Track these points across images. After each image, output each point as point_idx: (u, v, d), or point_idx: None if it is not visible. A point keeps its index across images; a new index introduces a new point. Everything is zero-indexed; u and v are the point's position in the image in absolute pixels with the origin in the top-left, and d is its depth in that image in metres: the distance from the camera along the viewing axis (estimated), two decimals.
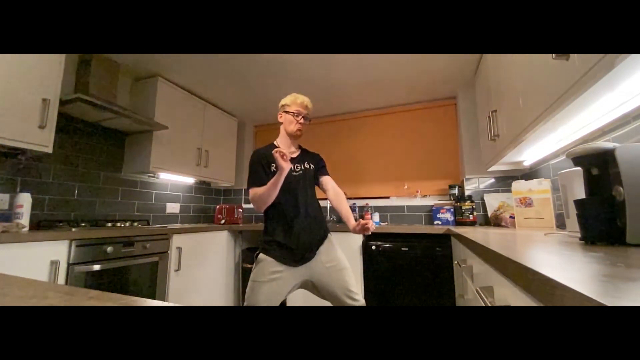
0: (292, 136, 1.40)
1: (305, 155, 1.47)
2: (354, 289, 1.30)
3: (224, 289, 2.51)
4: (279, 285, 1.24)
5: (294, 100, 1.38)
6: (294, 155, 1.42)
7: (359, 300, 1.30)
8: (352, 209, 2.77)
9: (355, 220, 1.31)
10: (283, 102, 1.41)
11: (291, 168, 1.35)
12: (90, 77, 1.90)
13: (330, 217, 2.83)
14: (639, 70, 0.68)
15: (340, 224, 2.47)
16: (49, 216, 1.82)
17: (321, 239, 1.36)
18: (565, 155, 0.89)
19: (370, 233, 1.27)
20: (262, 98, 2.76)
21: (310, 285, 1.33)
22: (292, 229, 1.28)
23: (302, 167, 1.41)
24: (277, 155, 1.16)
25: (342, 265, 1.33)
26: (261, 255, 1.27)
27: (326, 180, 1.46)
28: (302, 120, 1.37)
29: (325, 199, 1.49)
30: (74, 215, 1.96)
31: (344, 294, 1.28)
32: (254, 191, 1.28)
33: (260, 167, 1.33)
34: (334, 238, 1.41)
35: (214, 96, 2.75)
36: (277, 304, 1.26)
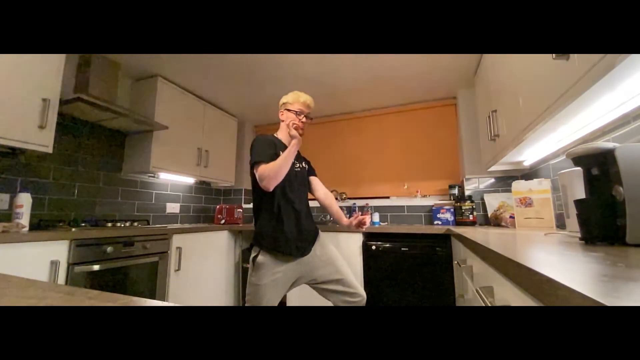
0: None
1: (300, 155, 1.50)
2: (352, 278, 1.36)
3: (224, 289, 2.51)
4: (279, 284, 1.26)
5: (297, 99, 1.38)
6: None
7: (358, 288, 1.33)
8: (352, 209, 2.78)
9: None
10: (285, 99, 1.41)
11: (294, 163, 1.35)
12: (90, 77, 1.90)
13: (330, 218, 2.83)
14: (639, 70, 0.68)
15: (340, 225, 2.46)
16: (49, 216, 1.81)
17: (315, 235, 1.40)
18: (565, 155, 0.89)
19: (364, 228, 1.31)
20: (262, 98, 2.76)
21: (309, 280, 1.35)
22: (295, 223, 1.30)
23: (301, 166, 1.44)
24: (294, 131, 1.23)
25: (335, 256, 1.38)
26: (260, 258, 1.24)
27: (316, 181, 1.50)
28: (304, 119, 1.37)
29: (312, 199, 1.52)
30: (74, 215, 1.96)
31: (343, 284, 1.32)
32: (265, 166, 1.22)
33: (268, 147, 1.31)
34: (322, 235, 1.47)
35: (214, 96, 2.75)
36: (278, 301, 1.28)
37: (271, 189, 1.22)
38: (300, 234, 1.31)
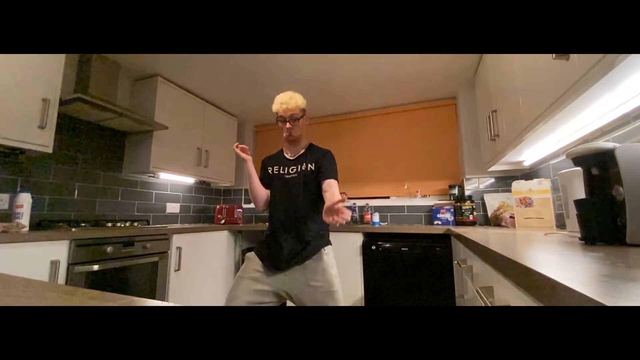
0: (286, 141, 1.35)
1: (307, 154, 1.33)
2: None
3: (224, 289, 2.50)
4: (257, 285, 1.20)
5: (274, 106, 1.31)
6: (292, 157, 1.35)
7: None
8: (352, 209, 2.77)
9: (351, 220, 1.27)
10: None
11: (286, 168, 1.33)
12: (90, 77, 1.90)
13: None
14: (639, 70, 0.68)
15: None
16: (49, 216, 1.82)
17: (309, 252, 1.21)
18: (565, 155, 0.89)
19: (340, 223, 0.95)
20: (262, 98, 2.75)
21: (290, 299, 1.22)
22: (277, 233, 1.25)
23: (299, 169, 1.30)
24: (236, 149, 1.31)
25: (330, 288, 1.18)
26: (249, 254, 1.30)
27: (327, 187, 1.20)
28: (287, 125, 1.28)
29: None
30: (74, 215, 1.96)
31: None
32: None
33: (261, 170, 1.41)
34: (331, 257, 1.26)
35: (214, 96, 2.75)
36: (249, 300, 1.17)
37: (259, 208, 1.41)
38: (286, 248, 1.21)
